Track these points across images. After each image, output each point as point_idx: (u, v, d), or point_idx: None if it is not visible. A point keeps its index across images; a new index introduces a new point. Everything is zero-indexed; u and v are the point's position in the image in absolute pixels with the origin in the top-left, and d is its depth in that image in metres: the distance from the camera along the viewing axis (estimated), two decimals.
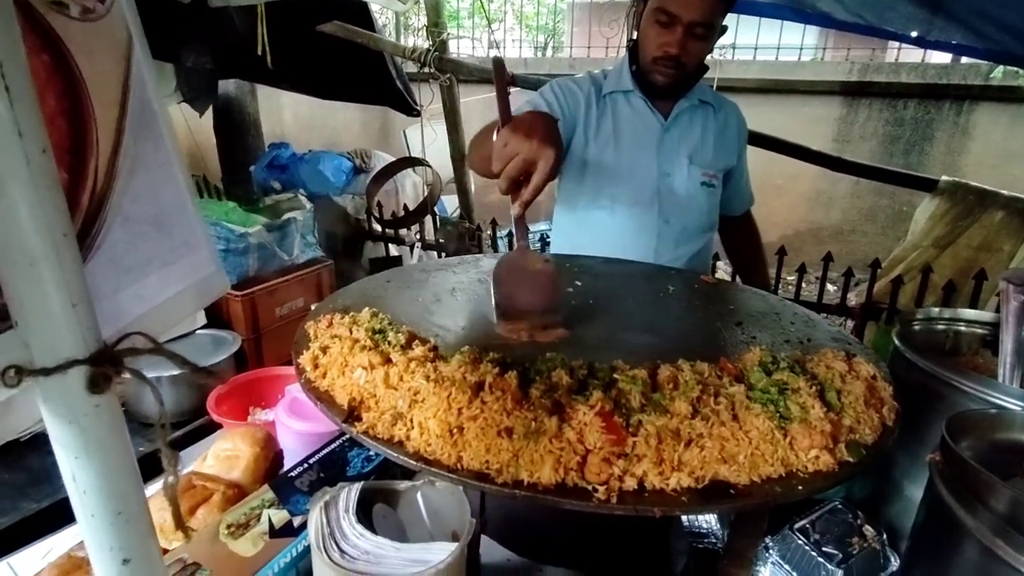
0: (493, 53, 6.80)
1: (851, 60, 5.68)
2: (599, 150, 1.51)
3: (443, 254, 3.16)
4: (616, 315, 1.08)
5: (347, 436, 1.00)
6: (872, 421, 0.75)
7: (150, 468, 0.53)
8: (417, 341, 0.84)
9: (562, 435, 0.66)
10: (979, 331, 1.18)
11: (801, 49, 6.15)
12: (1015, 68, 4.33)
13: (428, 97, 3.10)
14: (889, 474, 1.05)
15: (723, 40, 1.55)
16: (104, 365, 0.43)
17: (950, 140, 5.09)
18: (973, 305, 2.16)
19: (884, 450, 0.73)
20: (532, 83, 2.68)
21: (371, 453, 1.01)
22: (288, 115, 6.85)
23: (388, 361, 0.78)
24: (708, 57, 1.48)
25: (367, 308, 0.94)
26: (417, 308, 1.03)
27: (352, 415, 0.73)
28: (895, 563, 0.90)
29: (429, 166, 3.20)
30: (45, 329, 0.41)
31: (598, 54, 6.31)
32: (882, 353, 1.01)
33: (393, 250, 3.40)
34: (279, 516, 0.86)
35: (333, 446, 1.01)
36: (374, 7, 2.97)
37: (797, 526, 0.91)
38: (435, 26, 2.80)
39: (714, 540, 1.06)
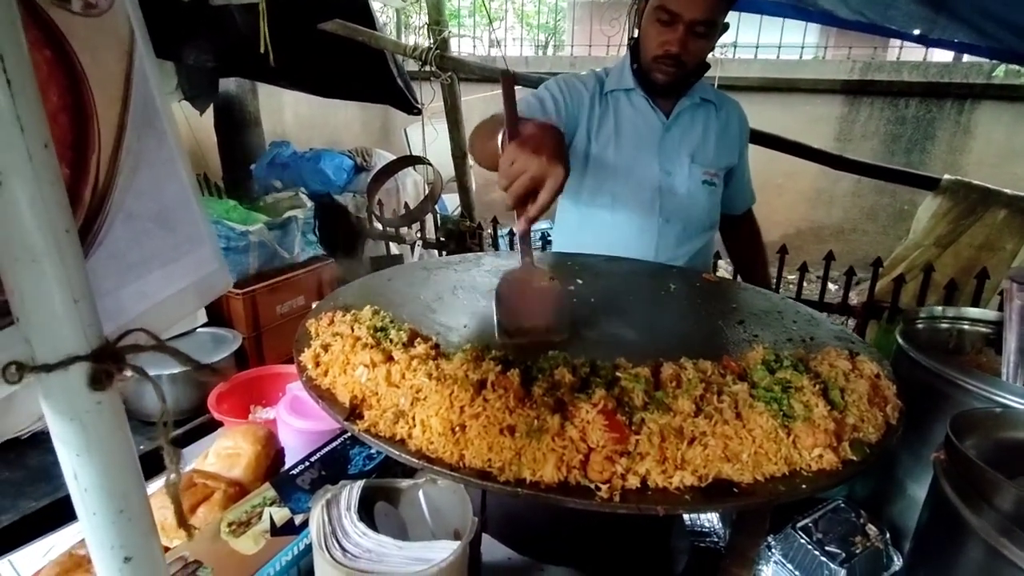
0: (494, 51, 6.81)
1: (853, 59, 5.68)
2: (601, 148, 1.50)
3: (444, 252, 3.16)
4: (618, 313, 1.08)
5: (349, 434, 1.00)
6: (876, 420, 0.75)
7: (151, 466, 0.53)
8: (419, 339, 0.84)
9: (564, 433, 0.66)
10: (983, 330, 1.18)
11: (803, 48, 6.15)
12: (1017, 66, 4.32)
13: (429, 95, 3.10)
14: (892, 473, 1.05)
15: (724, 38, 1.54)
16: (106, 362, 0.42)
17: (952, 139, 5.09)
18: (975, 304, 2.16)
19: (888, 449, 0.73)
20: (533, 82, 2.67)
21: (373, 451, 1.00)
22: (289, 113, 6.85)
23: (390, 359, 0.78)
24: (709, 55, 1.47)
25: (369, 306, 0.94)
26: (419, 306, 1.03)
27: (354, 413, 0.73)
28: (898, 562, 0.90)
29: (430, 164, 3.19)
30: (47, 325, 0.41)
31: (599, 52, 6.32)
32: (884, 352, 1.01)
33: (394, 248, 3.40)
34: (280, 514, 0.86)
35: (334, 444, 1.01)
36: (375, 5, 2.96)
37: (800, 525, 0.91)
38: (436, 24, 2.79)
39: (716, 539, 1.05)
